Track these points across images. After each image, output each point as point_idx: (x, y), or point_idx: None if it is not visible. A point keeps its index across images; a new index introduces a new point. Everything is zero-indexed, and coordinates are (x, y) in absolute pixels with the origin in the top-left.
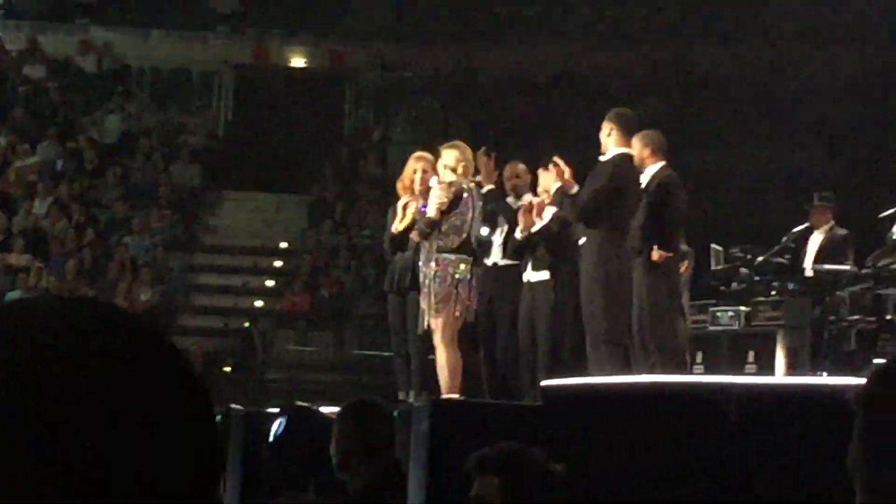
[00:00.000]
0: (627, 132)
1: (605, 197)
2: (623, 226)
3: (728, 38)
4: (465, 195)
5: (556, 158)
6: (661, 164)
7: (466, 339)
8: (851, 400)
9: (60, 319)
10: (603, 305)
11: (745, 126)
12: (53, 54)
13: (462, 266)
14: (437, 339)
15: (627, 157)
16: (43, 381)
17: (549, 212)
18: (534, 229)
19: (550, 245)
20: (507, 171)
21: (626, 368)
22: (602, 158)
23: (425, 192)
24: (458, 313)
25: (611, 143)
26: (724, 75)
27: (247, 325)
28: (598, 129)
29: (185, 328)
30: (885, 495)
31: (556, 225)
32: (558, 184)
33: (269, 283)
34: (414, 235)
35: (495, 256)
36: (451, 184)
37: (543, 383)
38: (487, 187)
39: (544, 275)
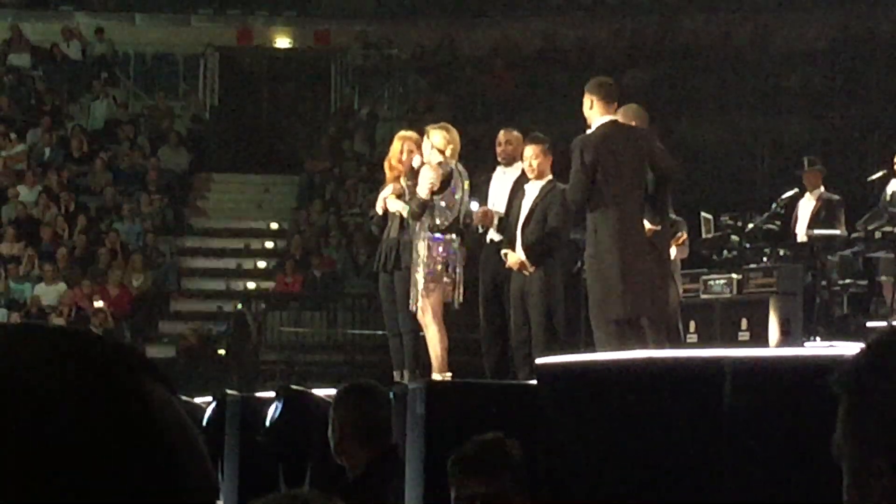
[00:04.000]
0: (609, 100)
1: (585, 179)
2: (621, 196)
3: (711, 8)
4: (453, 175)
5: None
6: None
7: (464, 316)
8: (835, 380)
9: (23, 352)
10: (619, 287)
11: (730, 94)
12: (37, 42)
13: (452, 246)
14: (428, 319)
15: (609, 124)
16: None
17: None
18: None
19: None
20: (501, 136)
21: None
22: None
23: (410, 170)
24: (447, 292)
25: (594, 115)
26: (707, 45)
27: (239, 307)
28: (582, 100)
29: (178, 312)
30: (871, 480)
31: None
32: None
33: (261, 264)
34: (404, 213)
35: (492, 233)
36: (440, 164)
37: (537, 361)
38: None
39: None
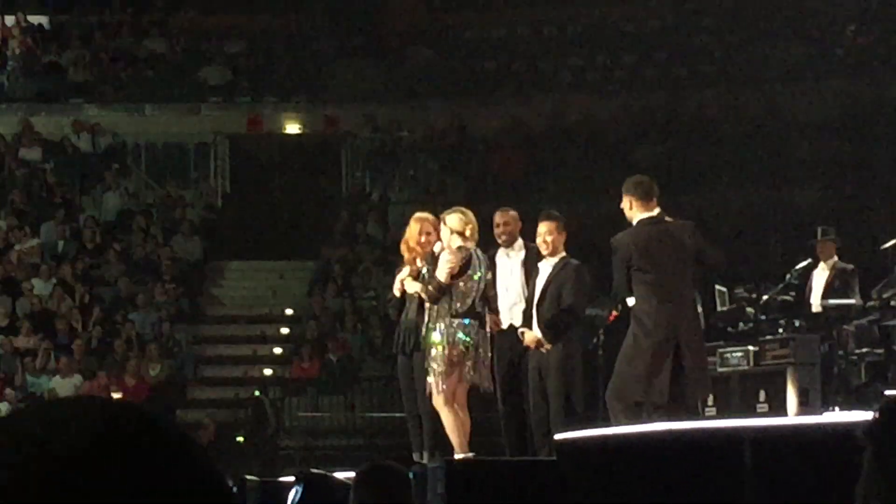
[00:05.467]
0: (647, 198)
1: (625, 278)
2: (656, 289)
3: (717, 81)
4: (472, 259)
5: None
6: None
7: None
8: (860, 433)
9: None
10: (644, 371)
11: (740, 166)
12: (48, 135)
13: (473, 329)
14: (440, 405)
15: (647, 221)
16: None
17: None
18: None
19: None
20: (497, 218)
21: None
22: None
23: (429, 254)
24: (467, 376)
25: (634, 214)
26: (716, 117)
27: (257, 393)
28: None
29: (195, 401)
30: None
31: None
32: None
33: (277, 350)
34: (422, 294)
35: (506, 318)
36: (459, 248)
37: (557, 437)
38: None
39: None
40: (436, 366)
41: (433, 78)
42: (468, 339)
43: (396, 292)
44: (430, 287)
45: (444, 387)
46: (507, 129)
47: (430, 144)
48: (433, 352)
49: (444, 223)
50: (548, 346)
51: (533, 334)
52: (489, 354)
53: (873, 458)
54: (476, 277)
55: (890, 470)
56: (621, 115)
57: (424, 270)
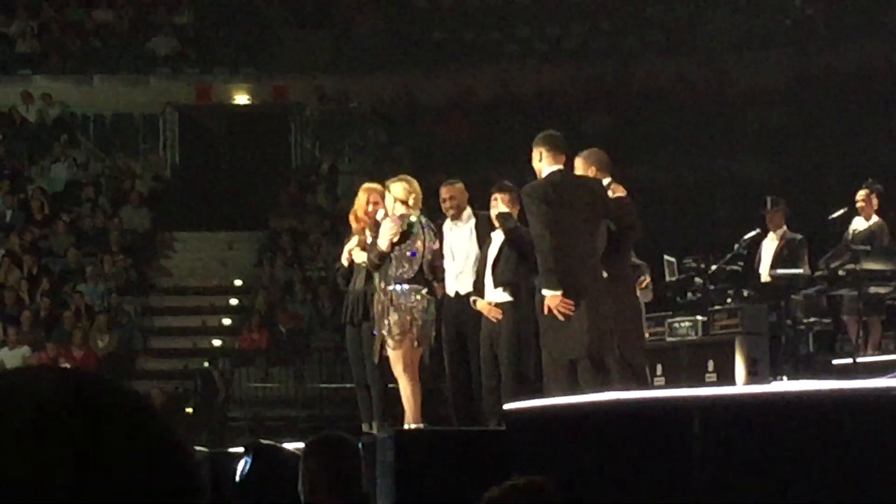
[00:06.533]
0: (557, 151)
1: (542, 227)
2: (579, 239)
3: (667, 50)
4: (415, 227)
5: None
6: (608, 180)
7: (432, 367)
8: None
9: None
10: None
11: (689, 136)
12: None
13: (417, 297)
14: (399, 371)
15: (558, 173)
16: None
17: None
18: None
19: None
20: (443, 192)
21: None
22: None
23: (374, 223)
24: (416, 344)
25: (543, 166)
26: (665, 87)
27: (206, 364)
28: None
29: (144, 372)
30: None
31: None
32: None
33: (226, 321)
34: (366, 264)
35: (452, 286)
36: (401, 216)
37: (506, 406)
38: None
39: (506, 296)
40: (386, 333)
41: (382, 48)
42: (415, 306)
43: (345, 262)
44: (370, 255)
45: (400, 353)
46: (456, 99)
47: (378, 115)
48: (385, 322)
49: (389, 191)
50: (499, 315)
51: (484, 302)
52: (434, 323)
53: None
54: (419, 246)
55: None
56: (570, 85)
57: (370, 241)
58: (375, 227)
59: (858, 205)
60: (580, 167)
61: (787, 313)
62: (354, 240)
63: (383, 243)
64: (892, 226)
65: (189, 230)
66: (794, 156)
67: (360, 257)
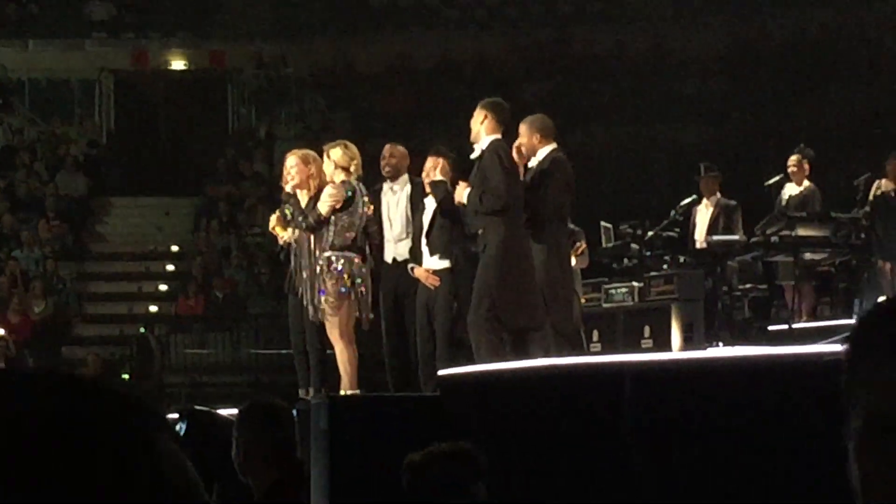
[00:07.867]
0: (500, 122)
1: (506, 185)
2: (520, 208)
3: (605, 18)
4: (355, 193)
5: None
6: (552, 146)
7: (370, 333)
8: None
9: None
10: (517, 290)
11: (626, 103)
12: None
13: (354, 263)
14: (336, 337)
15: (502, 142)
16: None
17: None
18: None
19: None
20: (385, 150)
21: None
22: (477, 147)
23: (296, 186)
24: (354, 310)
25: (483, 130)
26: (602, 55)
27: (142, 330)
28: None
29: (80, 337)
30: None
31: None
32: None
33: (163, 287)
34: (301, 227)
35: (391, 253)
36: (343, 183)
37: (440, 372)
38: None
39: (444, 263)
40: (324, 299)
41: (319, 14)
42: (351, 272)
43: (281, 242)
44: (309, 218)
45: (337, 319)
46: (394, 66)
47: (316, 81)
48: (321, 285)
49: (328, 157)
50: (436, 282)
51: (422, 269)
52: (370, 289)
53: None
54: (358, 212)
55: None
56: (509, 51)
57: (287, 210)
58: (289, 197)
59: (790, 170)
60: (524, 133)
61: (722, 279)
62: (274, 218)
63: (324, 208)
64: (827, 192)
65: (125, 196)
66: (731, 122)
67: (283, 235)
